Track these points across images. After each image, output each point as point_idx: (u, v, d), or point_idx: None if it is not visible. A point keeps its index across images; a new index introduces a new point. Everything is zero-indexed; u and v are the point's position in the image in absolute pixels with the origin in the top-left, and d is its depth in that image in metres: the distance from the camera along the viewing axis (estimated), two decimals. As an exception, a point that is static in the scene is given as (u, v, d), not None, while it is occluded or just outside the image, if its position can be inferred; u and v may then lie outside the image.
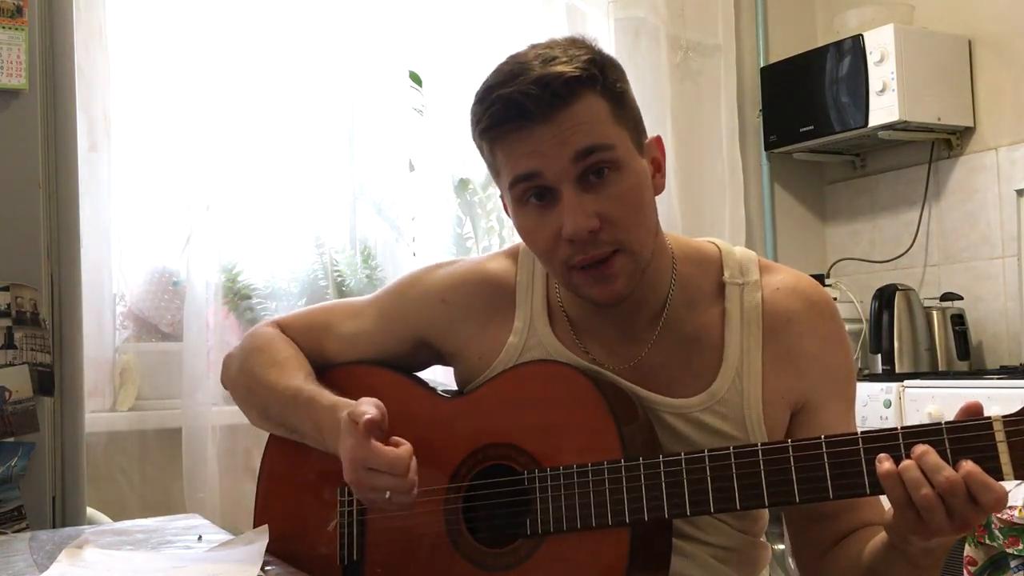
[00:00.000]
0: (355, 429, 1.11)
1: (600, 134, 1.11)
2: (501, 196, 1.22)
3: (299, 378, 1.28)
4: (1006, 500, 0.95)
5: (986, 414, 0.97)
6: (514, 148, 1.12)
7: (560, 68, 1.09)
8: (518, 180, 1.13)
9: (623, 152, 1.12)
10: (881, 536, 1.07)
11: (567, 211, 1.10)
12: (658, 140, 1.21)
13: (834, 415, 1.19)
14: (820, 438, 1.02)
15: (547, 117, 1.09)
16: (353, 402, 1.17)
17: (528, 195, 1.14)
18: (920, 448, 0.97)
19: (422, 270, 1.38)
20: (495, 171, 1.19)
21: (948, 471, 0.95)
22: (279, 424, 1.31)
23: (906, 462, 0.97)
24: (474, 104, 1.15)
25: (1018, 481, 0.96)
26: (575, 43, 1.15)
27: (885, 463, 0.97)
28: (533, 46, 1.15)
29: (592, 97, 1.11)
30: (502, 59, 1.16)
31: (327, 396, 1.23)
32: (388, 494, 1.10)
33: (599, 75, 1.11)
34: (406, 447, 1.11)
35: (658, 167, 1.20)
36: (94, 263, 2.30)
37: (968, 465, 0.95)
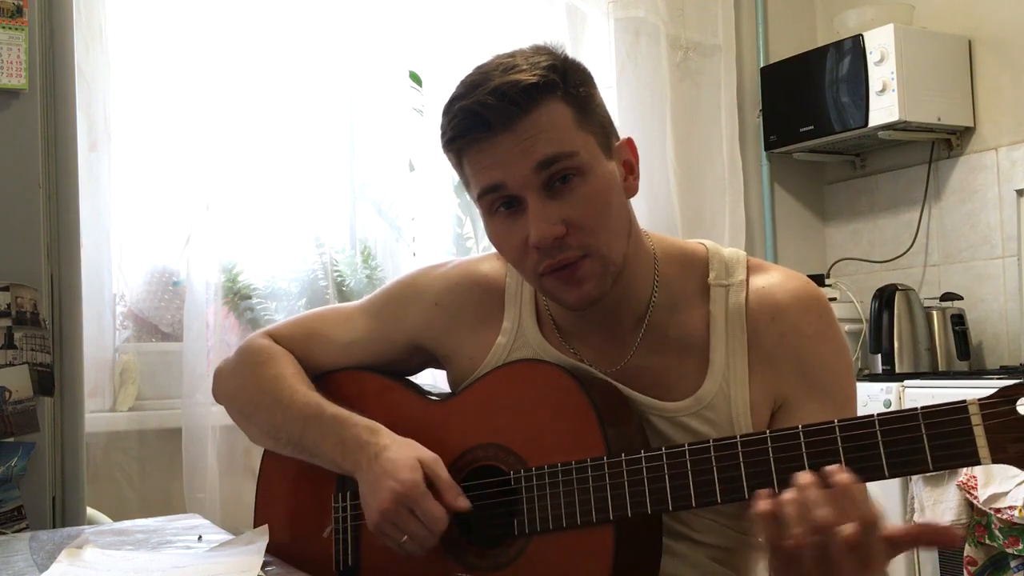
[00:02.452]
0: (423, 472, 1.14)
1: (562, 142, 1.10)
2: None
3: (314, 394, 1.29)
4: (876, 523, 0.86)
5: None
6: (478, 160, 1.12)
7: (517, 76, 1.09)
8: (485, 192, 1.13)
9: (587, 158, 1.11)
10: None
11: (532, 219, 1.10)
12: (629, 142, 1.20)
13: (810, 416, 1.13)
14: (797, 427, 1.01)
15: (507, 127, 1.09)
16: (376, 425, 1.20)
17: (496, 205, 1.14)
18: (803, 479, 0.90)
19: (414, 274, 1.38)
20: (465, 181, 1.19)
21: (824, 510, 0.86)
22: (288, 443, 1.30)
23: (785, 496, 0.90)
24: (442, 116, 1.16)
25: (998, 465, 0.95)
26: (539, 50, 1.14)
27: (762, 502, 0.90)
28: (497, 55, 1.15)
29: (553, 104, 1.10)
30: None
31: (357, 416, 1.23)
32: (405, 539, 1.13)
33: (559, 81, 1.11)
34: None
35: (630, 169, 1.19)
36: (94, 263, 2.30)
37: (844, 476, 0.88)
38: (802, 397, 1.17)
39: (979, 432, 0.93)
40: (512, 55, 1.14)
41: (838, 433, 0.99)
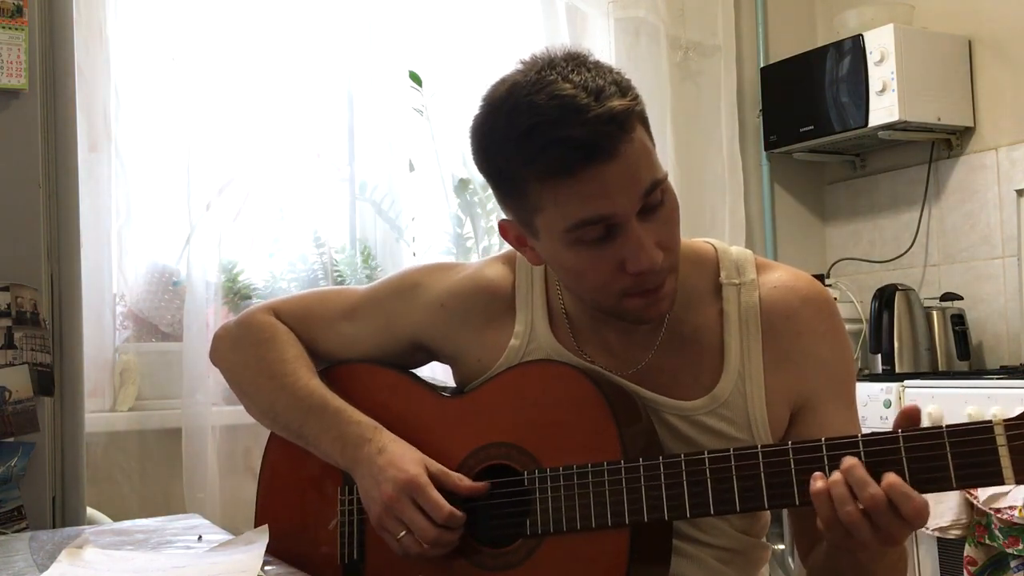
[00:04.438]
0: (427, 468, 1.16)
1: (655, 165, 1.09)
2: (511, 222, 1.17)
3: (317, 383, 1.29)
4: (927, 512, 0.96)
5: (987, 415, 0.97)
6: (579, 189, 1.05)
7: (615, 102, 1.05)
8: (584, 223, 1.07)
9: (666, 175, 1.11)
10: None
11: (636, 247, 1.07)
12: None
13: (834, 412, 1.19)
14: (820, 440, 1.02)
15: (615, 154, 1.04)
16: (378, 424, 1.22)
17: (593, 235, 1.08)
18: (848, 462, 0.98)
19: (421, 272, 1.37)
20: (532, 206, 1.10)
21: (873, 487, 0.95)
22: (286, 428, 1.31)
23: (834, 477, 0.98)
24: (518, 142, 1.07)
25: (1019, 485, 0.95)
26: (598, 65, 1.10)
27: (818, 482, 0.98)
28: (555, 70, 1.07)
29: (639, 125, 1.08)
30: (519, 82, 1.09)
31: (359, 413, 1.24)
32: (404, 533, 1.14)
33: (638, 96, 1.09)
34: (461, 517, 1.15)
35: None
36: (94, 263, 2.30)
37: (890, 477, 0.95)
38: (825, 395, 1.19)
39: (1004, 452, 0.94)
40: (576, 69, 1.07)
41: (861, 448, 0.99)
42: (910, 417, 0.99)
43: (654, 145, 1.13)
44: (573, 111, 1.04)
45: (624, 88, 1.08)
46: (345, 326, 1.36)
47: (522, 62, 1.13)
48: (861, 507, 0.96)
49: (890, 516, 0.95)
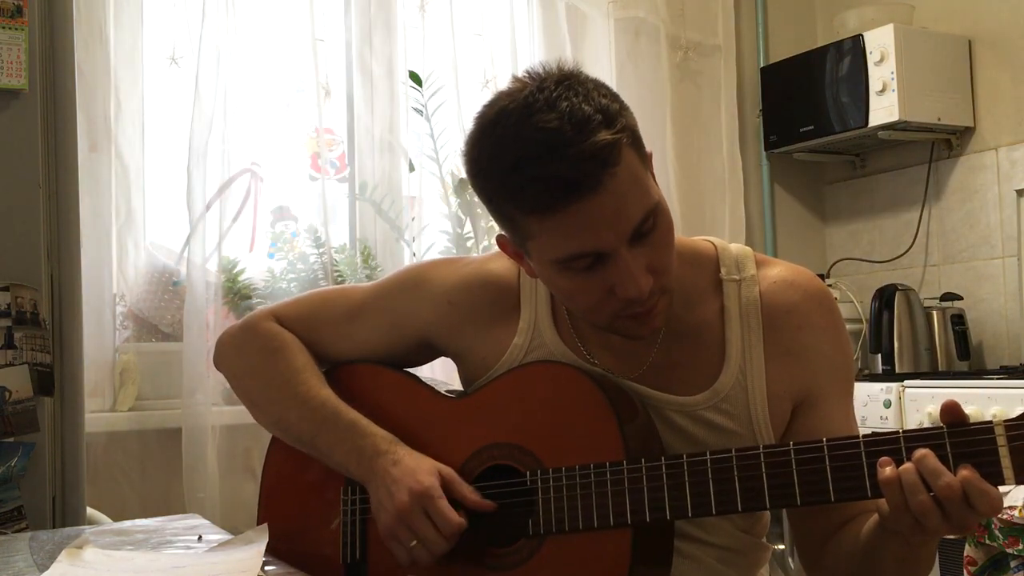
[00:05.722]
0: (441, 479, 1.15)
1: (645, 195, 1.07)
2: (507, 239, 1.17)
3: (329, 394, 1.29)
4: (1002, 505, 0.95)
5: (987, 415, 0.97)
6: (564, 224, 1.05)
7: (602, 135, 1.03)
8: (575, 257, 1.08)
9: (658, 199, 1.10)
10: (875, 518, 1.08)
11: (626, 275, 1.07)
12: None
13: (835, 406, 1.20)
14: (822, 441, 1.02)
15: (598, 189, 1.03)
16: (393, 436, 1.21)
17: (583, 265, 1.09)
18: (920, 452, 0.97)
19: (425, 268, 1.36)
20: (522, 233, 1.11)
21: (947, 476, 0.95)
22: (298, 439, 1.30)
23: (905, 466, 0.97)
24: (500, 175, 1.08)
25: (1019, 485, 0.96)
26: (589, 88, 1.07)
27: (886, 469, 0.98)
28: (543, 94, 1.06)
29: (627, 153, 1.06)
30: (506, 108, 1.07)
31: (374, 425, 1.24)
32: (415, 543, 1.14)
33: (627, 124, 1.07)
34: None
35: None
36: (94, 263, 2.30)
37: (966, 471, 0.95)
38: (827, 389, 1.20)
39: (1004, 452, 0.94)
40: (565, 95, 1.05)
41: (863, 448, 0.99)
42: (951, 412, 0.99)
43: (648, 166, 1.11)
44: (556, 147, 1.03)
45: (611, 116, 1.05)
46: (351, 327, 1.35)
47: (517, 78, 1.11)
48: (932, 495, 0.96)
49: (963, 506, 0.95)
